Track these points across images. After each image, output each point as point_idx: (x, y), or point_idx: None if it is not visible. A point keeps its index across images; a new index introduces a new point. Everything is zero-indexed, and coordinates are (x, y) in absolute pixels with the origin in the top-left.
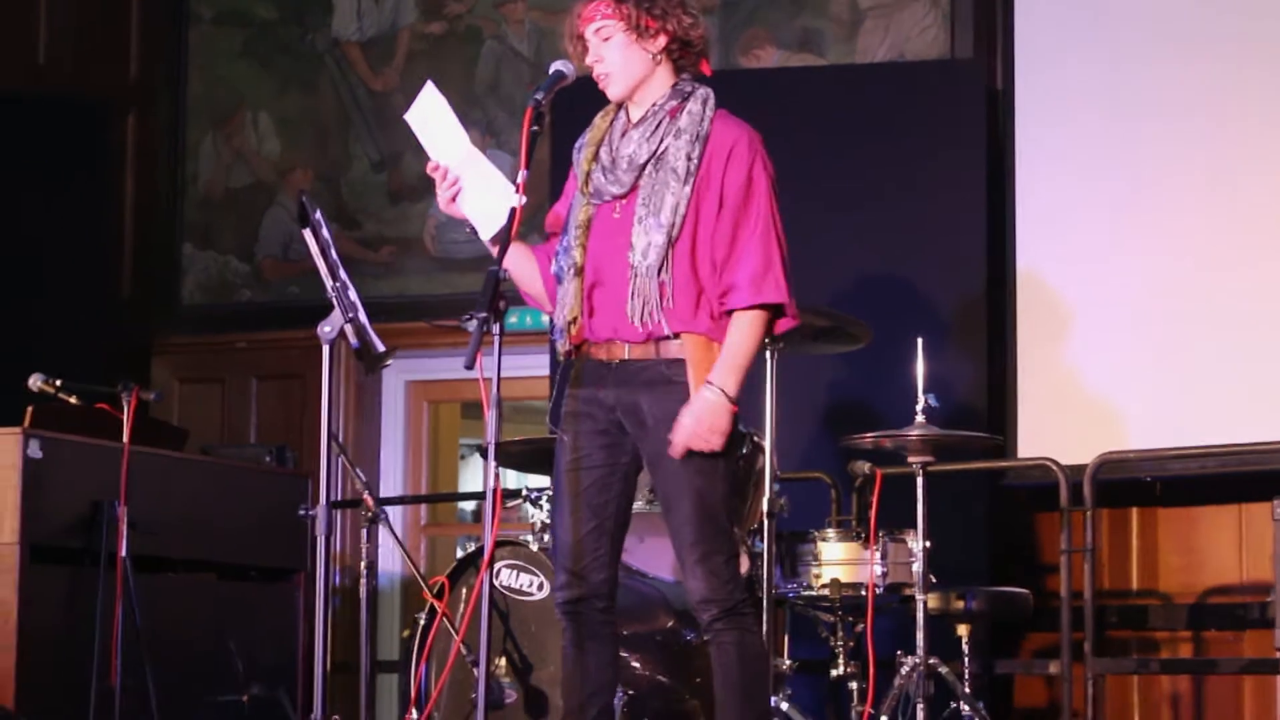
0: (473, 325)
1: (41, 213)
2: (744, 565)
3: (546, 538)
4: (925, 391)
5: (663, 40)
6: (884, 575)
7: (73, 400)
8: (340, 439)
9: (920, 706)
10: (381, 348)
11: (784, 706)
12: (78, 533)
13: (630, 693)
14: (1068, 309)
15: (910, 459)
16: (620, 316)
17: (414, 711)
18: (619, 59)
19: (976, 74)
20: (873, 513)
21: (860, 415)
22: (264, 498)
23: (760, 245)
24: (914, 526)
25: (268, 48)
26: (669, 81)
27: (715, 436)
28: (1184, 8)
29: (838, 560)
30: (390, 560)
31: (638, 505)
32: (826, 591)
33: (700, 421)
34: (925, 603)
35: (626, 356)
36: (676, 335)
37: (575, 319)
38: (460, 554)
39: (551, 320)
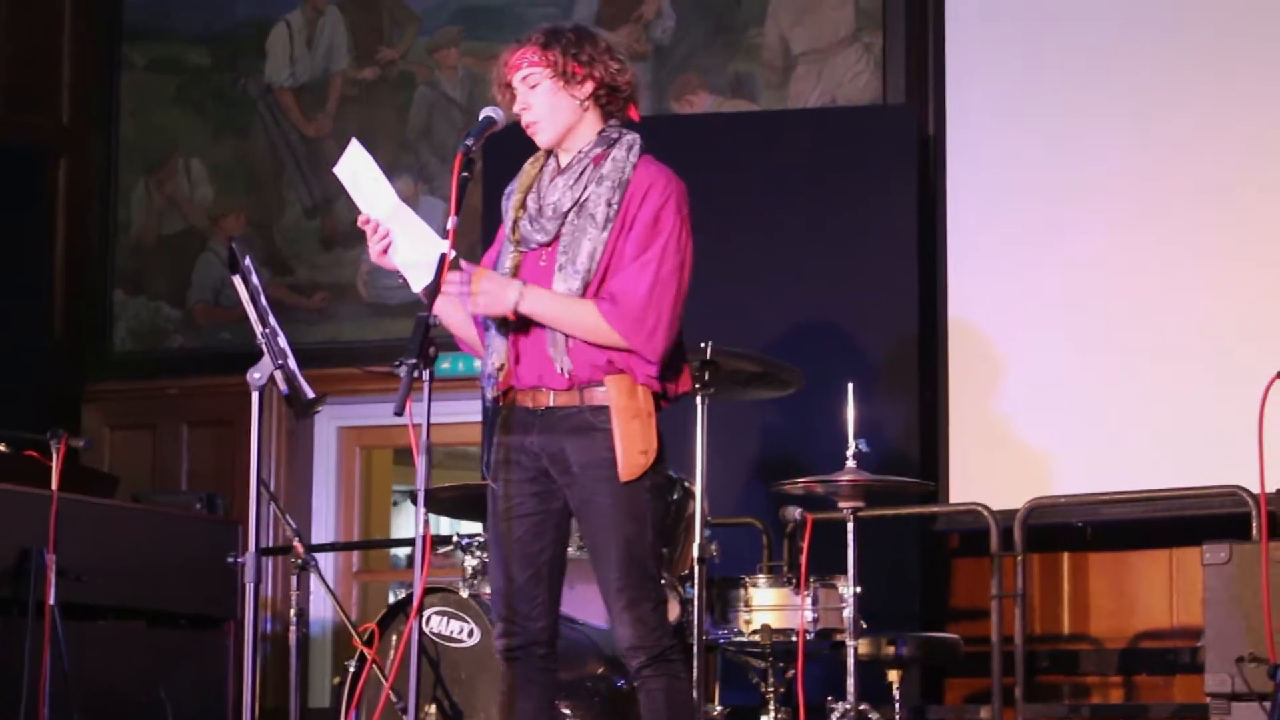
0: (403, 371)
1: None
2: (673, 612)
3: (477, 584)
4: (856, 437)
5: (590, 86)
6: (815, 621)
7: (1, 448)
8: (272, 485)
9: None
10: (311, 394)
11: None
12: (6, 581)
13: None
14: (999, 354)
15: (841, 504)
16: (545, 363)
17: None
18: (546, 106)
19: (908, 119)
20: (804, 558)
21: (791, 460)
22: (194, 545)
23: (649, 287)
24: (845, 572)
25: (200, 94)
26: (596, 128)
27: (483, 299)
28: (1117, 57)
29: (769, 606)
30: (322, 607)
31: (570, 551)
32: (757, 637)
33: (492, 279)
34: (856, 648)
35: (551, 404)
36: (600, 382)
37: (503, 366)
38: (392, 600)
39: (482, 366)
